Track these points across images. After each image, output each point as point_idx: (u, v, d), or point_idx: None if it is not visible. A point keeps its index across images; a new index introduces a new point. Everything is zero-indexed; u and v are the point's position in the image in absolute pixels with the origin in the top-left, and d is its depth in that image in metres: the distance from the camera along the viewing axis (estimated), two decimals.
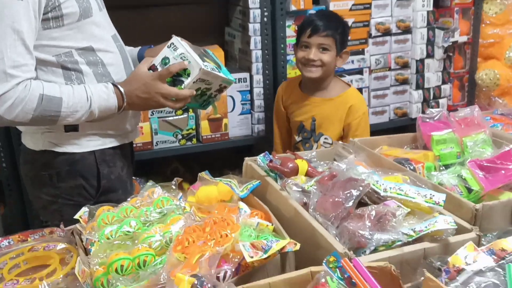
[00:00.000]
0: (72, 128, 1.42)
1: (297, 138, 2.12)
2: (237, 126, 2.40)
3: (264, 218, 1.20)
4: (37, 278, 1.08)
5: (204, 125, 2.31)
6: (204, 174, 1.33)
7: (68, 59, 1.37)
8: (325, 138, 2.04)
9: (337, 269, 0.91)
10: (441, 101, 2.75)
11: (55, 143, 1.43)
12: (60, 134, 1.42)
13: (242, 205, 1.15)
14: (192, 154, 2.41)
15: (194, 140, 2.33)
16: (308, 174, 1.39)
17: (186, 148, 2.33)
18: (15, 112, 1.27)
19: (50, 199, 1.50)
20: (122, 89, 1.39)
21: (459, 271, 0.93)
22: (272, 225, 1.17)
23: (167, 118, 2.26)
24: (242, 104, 2.39)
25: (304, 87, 2.10)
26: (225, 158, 2.55)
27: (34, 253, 1.20)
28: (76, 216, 1.24)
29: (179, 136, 2.30)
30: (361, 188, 1.15)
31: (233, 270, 1.00)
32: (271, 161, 1.41)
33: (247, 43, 2.36)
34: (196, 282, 0.81)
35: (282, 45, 2.36)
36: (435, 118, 1.62)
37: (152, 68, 1.42)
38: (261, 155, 1.45)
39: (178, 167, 2.63)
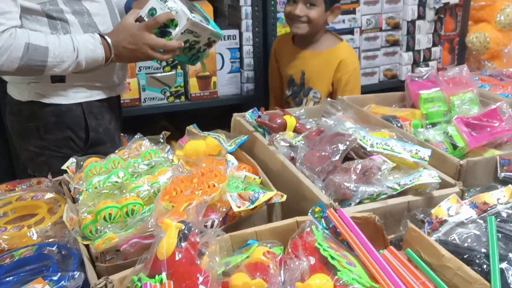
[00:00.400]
0: (58, 79, 1.40)
1: (287, 92, 2.11)
2: (226, 84, 2.38)
3: (252, 172, 1.21)
4: (25, 225, 1.09)
5: (193, 82, 2.29)
6: (192, 128, 1.33)
7: (53, 8, 1.34)
8: (314, 92, 2.02)
9: (322, 219, 0.92)
10: (431, 63, 2.75)
11: (41, 93, 1.41)
12: (46, 85, 1.40)
13: (229, 157, 1.16)
14: (181, 112, 2.40)
15: (183, 97, 2.32)
16: (296, 130, 1.39)
17: (175, 106, 2.32)
18: (1, 61, 1.25)
19: (38, 151, 1.49)
20: (109, 40, 1.37)
21: (442, 222, 0.96)
22: (260, 178, 1.18)
23: (155, 75, 2.23)
24: (231, 62, 2.36)
25: (296, 41, 2.08)
26: (214, 117, 2.53)
27: (22, 203, 1.20)
28: (64, 167, 1.24)
29: (167, 93, 2.28)
30: (347, 143, 1.16)
31: (220, 219, 1.01)
32: (259, 116, 1.41)
33: None
34: (183, 227, 0.82)
35: (272, 2, 2.32)
36: (424, 77, 1.62)
37: (139, 19, 1.40)
38: (250, 111, 1.45)
39: (167, 125, 2.61)
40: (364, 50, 2.60)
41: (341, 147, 1.16)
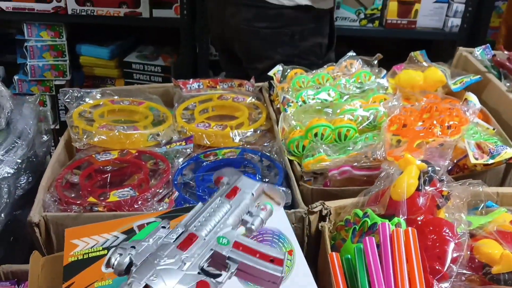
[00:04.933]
0: None
1: None
2: (429, 15, 2.09)
3: (482, 119, 1.01)
4: (228, 126, 1.04)
5: (392, 7, 2.05)
6: (418, 55, 1.15)
7: None
8: None
9: None
10: None
11: None
12: None
13: (471, 96, 0.97)
14: (369, 38, 2.20)
15: (377, 23, 2.10)
16: None
17: (366, 31, 2.12)
18: None
19: (284, 59, 1.29)
20: None
21: None
22: (494, 129, 0.98)
23: None
24: None
25: None
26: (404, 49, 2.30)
27: (223, 102, 1.16)
28: (271, 73, 1.15)
29: (362, 15, 2.08)
30: None
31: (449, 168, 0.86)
32: (494, 56, 1.18)
33: None
34: (428, 169, 0.68)
35: None
36: None
37: None
38: (481, 47, 1.22)
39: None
40: None
41: None
